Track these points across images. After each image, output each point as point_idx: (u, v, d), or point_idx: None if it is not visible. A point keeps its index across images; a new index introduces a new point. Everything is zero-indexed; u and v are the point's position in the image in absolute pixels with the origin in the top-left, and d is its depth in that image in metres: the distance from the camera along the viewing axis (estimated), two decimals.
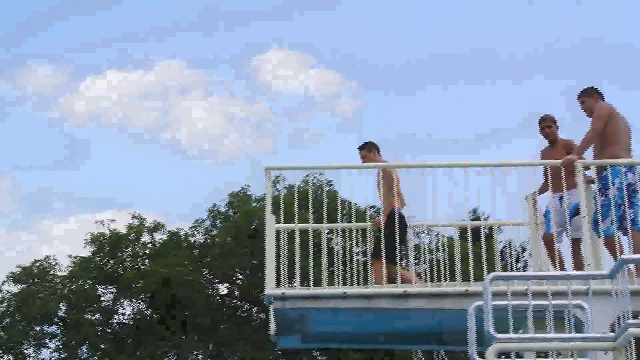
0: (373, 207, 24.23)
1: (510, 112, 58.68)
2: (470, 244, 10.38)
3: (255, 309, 37.86)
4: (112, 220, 38.51)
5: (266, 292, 10.07)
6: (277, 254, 10.47)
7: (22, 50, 64.77)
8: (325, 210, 11.08)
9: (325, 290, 10.35)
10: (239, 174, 66.73)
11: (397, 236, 10.45)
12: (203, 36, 63.23)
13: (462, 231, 13.36)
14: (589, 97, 11.29)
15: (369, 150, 12.24)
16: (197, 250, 38.54)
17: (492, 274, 7.36)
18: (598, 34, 62.37)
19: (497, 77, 63.34)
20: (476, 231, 12.93)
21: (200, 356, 36.76)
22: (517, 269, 13.15)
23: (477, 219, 22.43)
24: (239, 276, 38.13)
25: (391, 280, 10.83)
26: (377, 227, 11.59)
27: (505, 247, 26.49)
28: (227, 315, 37.48)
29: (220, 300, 38.39)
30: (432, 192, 10.57)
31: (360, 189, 11.25)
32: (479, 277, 9.79)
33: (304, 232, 11.36)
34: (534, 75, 60.39)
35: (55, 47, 65.53)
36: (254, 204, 38.02)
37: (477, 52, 60.96)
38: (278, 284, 10.30)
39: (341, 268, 11.03)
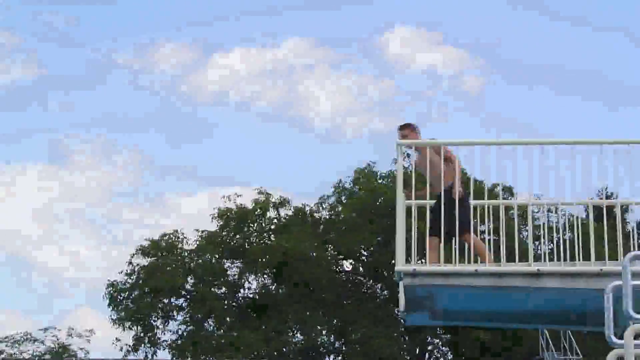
0: (498, 184, 23.96)
1: None
2: (605, 224, 10.18)
3: (379, 285, 37.87)
4: (238, 196, 38.84)
5: (397, 268, 10.02)
6: (408, 230, 10.43)
7: (152, 27, 65.99)
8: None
9: (456, 267, 10.27)
10: (364, 151, 66.86)
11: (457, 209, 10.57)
12: (330, 14, 63.36)
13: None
14: None
15: (411, 130, 12.10)
16: (322, 226, 38.65)
17: (632, 253, 7.18)
18: None
19: None
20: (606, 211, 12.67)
21: (324, 332, 36.94)
22: None
23: (608, 198, 21.90)
24: (364, 253, 38.17)
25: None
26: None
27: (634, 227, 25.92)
28: (351, 292, 37.56)
29: (344, 276, 38.49)
30: (563, 171, 10.40)
31: (491, 167, 11.10)
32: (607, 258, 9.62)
33: None
34: None
35: (185, 24, 66.52)
36: (380, 181, 37.97)
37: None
38: (407, 260, 10.26)
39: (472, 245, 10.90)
